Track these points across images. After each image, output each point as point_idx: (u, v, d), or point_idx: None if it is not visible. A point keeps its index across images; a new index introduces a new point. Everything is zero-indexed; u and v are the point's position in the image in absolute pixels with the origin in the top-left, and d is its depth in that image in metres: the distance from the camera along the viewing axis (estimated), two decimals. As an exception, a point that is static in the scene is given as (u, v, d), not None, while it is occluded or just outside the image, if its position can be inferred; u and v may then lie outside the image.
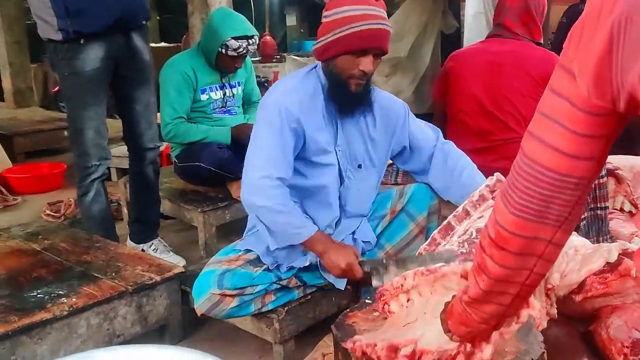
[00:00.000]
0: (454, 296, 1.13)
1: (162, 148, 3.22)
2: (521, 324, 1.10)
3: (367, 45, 1.82)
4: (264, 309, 1.98)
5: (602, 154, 0.76)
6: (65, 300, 1.91)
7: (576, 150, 0.74)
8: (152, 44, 8.46)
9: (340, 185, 2.04)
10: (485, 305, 0.96)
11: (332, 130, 1.98)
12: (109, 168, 3.94)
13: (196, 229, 2.91)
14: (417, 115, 2.22)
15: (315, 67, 1.99)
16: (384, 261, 1.80)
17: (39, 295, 1.95)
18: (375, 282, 1.76)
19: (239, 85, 3.22)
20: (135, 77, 2.65)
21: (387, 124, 2.08)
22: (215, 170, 2.90)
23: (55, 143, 5.32)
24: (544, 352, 1.33)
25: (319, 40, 1.88)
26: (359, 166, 2.06)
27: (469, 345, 1.15)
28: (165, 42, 9.70)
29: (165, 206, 3.01)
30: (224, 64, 3.01)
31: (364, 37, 1.80)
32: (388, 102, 2.10)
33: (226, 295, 1.91)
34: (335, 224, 2.08)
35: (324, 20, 1.86)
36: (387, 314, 1.47)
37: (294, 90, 1.92)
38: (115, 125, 3.82)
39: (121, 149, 3.77)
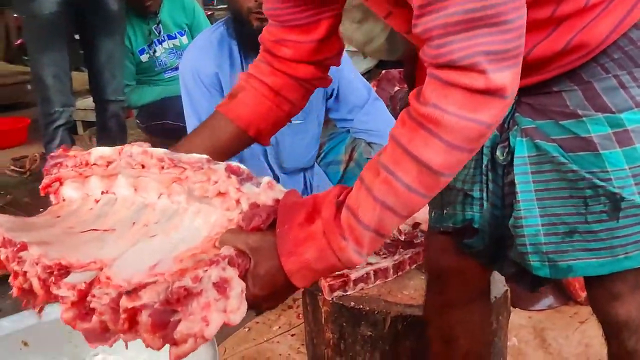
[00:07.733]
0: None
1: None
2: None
3: None
4: None
5: None
6: (27, 255, 1.88)
7: None
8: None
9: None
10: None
11: None
12: (75, 121, 3.83)
13: (165, 181, 2.86)
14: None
15: (225, 20, 1.96)
16: None
17: None
18: None
19: (183, 35, 3.04)
20: (99, 25, 2.58)
21: None
22: (184, 124, 2.83)
23: (18, 98, 5.12)
24: (507, 290, 1.34)
25: None
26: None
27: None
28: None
29: (132, 159, 2.95)
30: (135, 4, 2.81)
31: None
32: None
33: None
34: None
35: None
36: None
37: (204, 48, 1.91)
38: (80, 79, 3.70)
39: (85, 102, 3.66)
